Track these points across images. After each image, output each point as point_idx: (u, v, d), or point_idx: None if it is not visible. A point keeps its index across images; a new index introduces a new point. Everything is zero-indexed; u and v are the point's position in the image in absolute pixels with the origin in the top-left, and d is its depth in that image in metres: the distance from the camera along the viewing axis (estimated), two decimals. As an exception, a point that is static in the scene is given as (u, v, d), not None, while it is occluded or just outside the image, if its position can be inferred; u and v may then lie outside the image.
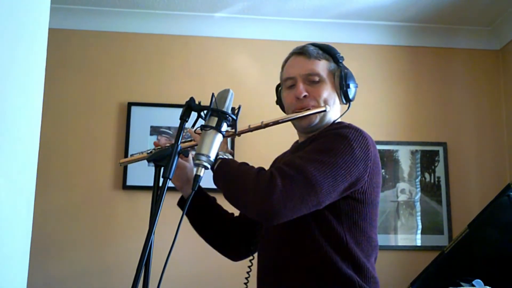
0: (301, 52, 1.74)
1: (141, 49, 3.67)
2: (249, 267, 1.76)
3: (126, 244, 3.37)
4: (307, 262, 1.55)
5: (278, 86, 1.85)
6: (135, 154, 1.78)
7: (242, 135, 1.71)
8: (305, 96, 1.67)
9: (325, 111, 1.66)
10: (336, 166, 1.46)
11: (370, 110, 3.66)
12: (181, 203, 1.82)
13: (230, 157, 1.60)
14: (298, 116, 1.67)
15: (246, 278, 1.74)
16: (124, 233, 3.40)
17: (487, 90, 3.81)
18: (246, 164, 1.56)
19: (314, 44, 1.77)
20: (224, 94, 1.51)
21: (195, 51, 3.70)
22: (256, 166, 1.55)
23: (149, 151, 1.72)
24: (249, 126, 1.65)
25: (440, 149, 3.66)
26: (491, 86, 3.82)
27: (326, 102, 1.68)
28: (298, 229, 1.56)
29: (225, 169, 1.53)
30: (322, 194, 1.44)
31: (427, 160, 3.65)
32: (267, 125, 1.65)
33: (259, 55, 3.73)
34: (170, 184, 1.35)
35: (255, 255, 1.79)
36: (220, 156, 1.56)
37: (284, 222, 1.52)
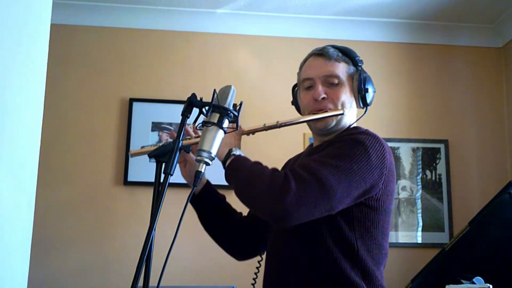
0: (321, 53, 1.72)
1: (143, 45, 3.67)
2: (257, 268, 1.75)
3: (127, 239, 3.37)
4: (315, 267, 1.54)
5: (294, 87, 1.84)
6: (146, 146, 1.79)
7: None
8: (323, 98, 1.65)
9: (342, 114, 1.64)
10: (351, 172, 1.45)
11: (372, 107, 3.64)
12: (192, 198, 1.81)
13: (243, 154, 1.60)
14: (315, 118, 1.66)
15: (254, 279, 1.74)
16: (125, 229, 3.40)
17: (489, 87, 3.81)
18: (260, 163, 1.55)
19: (333, 46, 1.75)
20: (226, 90, 1.51)
21: (197, 47, 3.69)
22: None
23: (161, 145, 1.72)
24: (264, 124, 1.65)
25: (442, 146, 3.66)
26: (493, 84, 3.81)
27: (343, 105, 1.66)
28: (309, 234, 1.55)
29: (238, 167, 1.52)
30: (335, 200, 1.43)
31: (428, 158, 3.65)
32: (282, 125, 1.65)
33: (261, 51, 3.73)
34: (171, 180, 1.34)
35: (263, 256, 1.78)
36: (233, 153, 1.56)
37: (295, 227, 1.51)
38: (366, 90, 1.69)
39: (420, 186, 3.61)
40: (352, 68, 1.71)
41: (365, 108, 1.75)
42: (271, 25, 3.72)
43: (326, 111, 1.65)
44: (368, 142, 1.52)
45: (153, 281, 1.30)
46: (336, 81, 1.67)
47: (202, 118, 1.48)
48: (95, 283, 3.32)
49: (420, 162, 3.64)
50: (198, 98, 1.46)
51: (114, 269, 3.33)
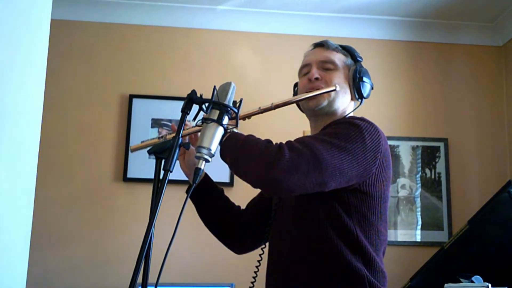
0: (321, 43, 1.78)
1: (143, 41, 3.66)
2: (258, 261, 1.76)
3: (126, 236, 3.37)
4: (317, 255, 1.55)
5: (295, 85, 1.86)
6: (146, 140, 1.78)
7: (244, 123, 1.71)
8: (316, 78, 1.69)
9: (334, 90, 1.66)
10: (344, 150, 1.47)
11: (371, 105, 3.64)
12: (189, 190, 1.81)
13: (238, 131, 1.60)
14: (307, 96, 1.68)
15: (255, 273, 1.74)
16: (124, 225, 3.40)
17: (489, 86, 3.80)
18: (254, 135, 1.56)
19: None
20: (225, 87, 1.51)
21: (197, 44, 3.69)
22: None
23: (160, 136, 1.71)
24: (260, 108, 1.66)
25: (441, 145, 3.66)
26: (493, 82, 3.81)
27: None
28: (309, 223, 1.57)
29: (233, 140, 1.52)
30: (327, 173, 1.44)
31: (428, 156, 3.65)
32: (277, 107, 1.66)
33: (262, 48, 3.72)
34: (171, 176, 1.34)
35: (263, 252, 1.79)
36: (229, 130, 1.57)
37: (295, 216, 1.54)
38: (361, 79, 1.71)
39: (419, 185, 3.61)
40: (350, 60, 1.76)
41: (360, 100, 1.76)
42: (271, 22, 3.72)
43: (318, 90, 1.68)
44: (363, 126, 1.55)
45: (152, 278, 1.30)
46: (331, 66, 1.71)
47: (202, 114, 1.48)
48: (94, 279, 3.32)
49: (419, 160, 3.64)
50: (198, 95, 1.46)
51: (113, 265, 3.33)
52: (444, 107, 3.74)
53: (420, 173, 3.63)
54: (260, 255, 1.79)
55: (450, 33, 3.82)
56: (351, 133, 1.52)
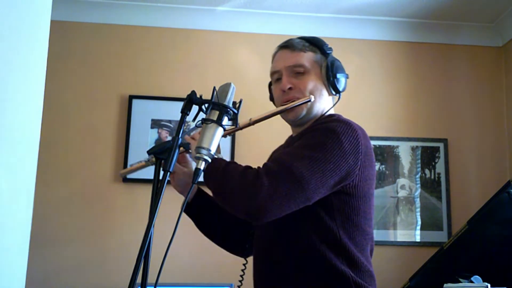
0: (286, 45, 1.75)
1: (143, 42, 3.66)
2: (244, 265, 1.75)
3: (125, 236, 3.37)
4: (301, 259, 1.54)
5: (270, 84, 1.84)
6: (134, 164, 1.76)
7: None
8: (290, 88, 1.66)
9: (309, 101, 1.64)
10: (324, 161, 1.45)
11: (371, 105, 3.66)
12: (186, 209, 1.76)
13: (220, 155, 1.57)
14: (283, 109, 1.66)
15: (243, 271, 1.74)
16: (123, 226, 3.40)
17: (488, 86, 3.80)
18: (234, 162, 1.54)
19: (301, 37, 1.78)
20: (225, 88, 1.51)
21: (197, 45, 3.69)
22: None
23: (147, 159, 1.68)
24: (238, 124, 1.64)
25: (441, 145, 3.66)
26: (492, 83, 3.81)
27: (312, 93, 1.66)
28: (291, 227, 1.55)
29: (214, 170, 1.50)
30: (310, 190, 1.43)
31: (427, 156, 3.65)
32: (255, 122, 1.66)
33: (261, 49, 3.72)
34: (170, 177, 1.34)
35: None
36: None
37: (277, 222, 1.51)
38: (335, 76, 1.68)
39: (419, 185, 3.61)
40: (319, 56, 1.72)
41: (338, 95, 1.72)
42: (271, 23, 3.72)
43: (294, 101, 1.65)
44: (340, 129, 1.51)
45: (151, 278, 1.30)
46: (301, 70, 1.68)
47: (201, 115, 1.48)
48: (93, 279, 3.32)
49: (419, 161, 3.64)
50: (198, 96, 1.46)
51: (112, 266, 3.34)
52: (444, 107, 3.74)
53: (419, 173, 3.63)
54: (245, 258, 1.79)
55: (450, 33, 3.82)
56: (328, 140, 1.49)
